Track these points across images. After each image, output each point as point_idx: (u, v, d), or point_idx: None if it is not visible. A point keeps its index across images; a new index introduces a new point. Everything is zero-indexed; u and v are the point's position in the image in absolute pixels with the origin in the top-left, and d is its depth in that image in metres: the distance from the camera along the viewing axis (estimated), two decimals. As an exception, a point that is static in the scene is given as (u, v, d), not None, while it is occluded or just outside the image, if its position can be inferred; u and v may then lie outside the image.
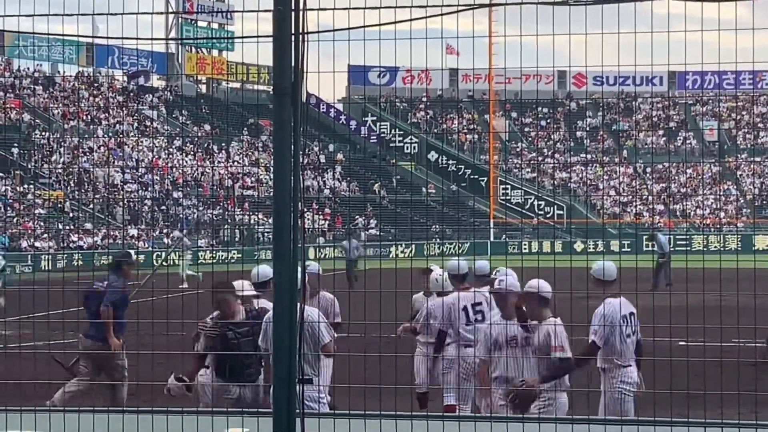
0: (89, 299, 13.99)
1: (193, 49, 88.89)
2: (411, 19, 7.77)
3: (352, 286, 32.62)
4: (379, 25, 7.72)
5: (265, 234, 55.90)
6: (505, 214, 76.31)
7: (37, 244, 56.28)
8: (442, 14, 7.65)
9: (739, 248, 61.87)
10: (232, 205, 68.37)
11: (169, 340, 10.42)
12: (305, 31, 7.42)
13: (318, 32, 7.62)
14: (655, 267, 34.45)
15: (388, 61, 7.98)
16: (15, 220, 58.43)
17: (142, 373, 10.00)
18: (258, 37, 8.07)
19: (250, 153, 78.86)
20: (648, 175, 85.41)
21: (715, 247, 62.82)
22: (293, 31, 7.39)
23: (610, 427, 8.13)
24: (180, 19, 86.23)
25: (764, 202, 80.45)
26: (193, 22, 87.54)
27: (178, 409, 8.19)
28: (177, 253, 45.02)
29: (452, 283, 12.63)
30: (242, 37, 9.23)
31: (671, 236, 65.83)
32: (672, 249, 40.53)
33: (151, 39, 8.77)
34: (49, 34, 9.71)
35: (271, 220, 8.47)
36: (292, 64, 7.43)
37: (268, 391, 9.56)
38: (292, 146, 7.42)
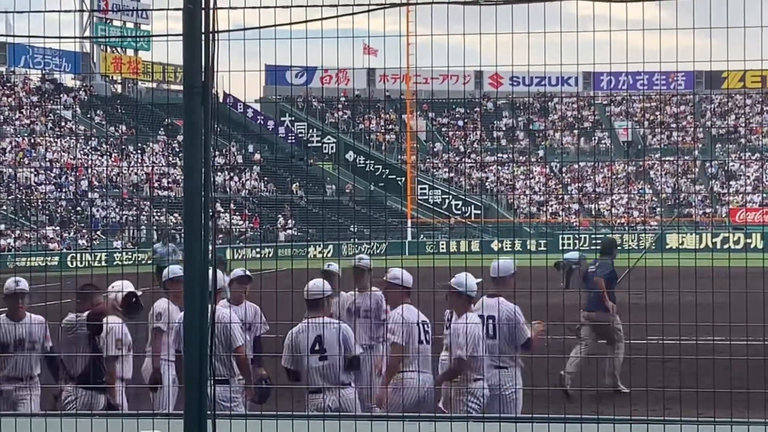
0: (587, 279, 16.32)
1: (108, 49, 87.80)
2: (322, 18, 7.76)
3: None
4: (290, 24, 7.69)
5: (182, 235, 55.34)
6: (417, 211, 76.51)
7: (-52, 246, 55.29)
8: (353, 13, 7.64)
9: (653, 247, 62.71)
10: (149, 206, 67.67)
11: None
12: (215, 29, 7.36)
13: (228, 30, 7.56)
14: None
15: (304, 60, 7.95)
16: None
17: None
18: (168, 36, 7.98)
19: (166, 153, 78.14)
20: (564, 175, 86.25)
21: (629, 246, 63.53)
22: (203, 30, 7.33)
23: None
24: (94, 18, 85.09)
25: (676, 201, 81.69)
26: (108, 21, 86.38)
27: (88, 413, 8.10)
28: None
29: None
30: (151, 36, 9.18)
31: (587, 236, 66.63)
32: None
33: (59, 37, 8.65)
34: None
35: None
36: (203, 62, 7.36)
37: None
38: (203, 145, 7.35)
